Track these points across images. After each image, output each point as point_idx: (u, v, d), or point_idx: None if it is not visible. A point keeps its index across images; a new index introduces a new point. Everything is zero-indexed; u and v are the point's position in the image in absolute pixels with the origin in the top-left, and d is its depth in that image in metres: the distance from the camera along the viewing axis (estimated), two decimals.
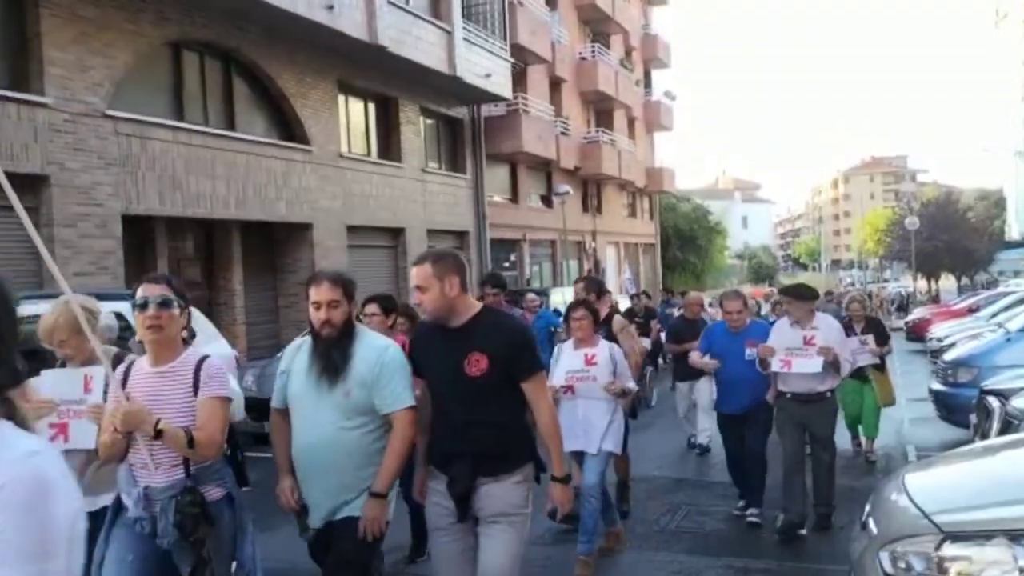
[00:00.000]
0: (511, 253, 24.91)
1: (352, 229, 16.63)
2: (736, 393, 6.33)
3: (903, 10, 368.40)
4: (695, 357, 6.73)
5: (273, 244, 15.63)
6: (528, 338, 3.61)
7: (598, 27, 31.65)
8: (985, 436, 6.31)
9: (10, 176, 10.93)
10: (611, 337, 6.23)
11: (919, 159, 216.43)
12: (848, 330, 7.99)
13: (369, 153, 18.06)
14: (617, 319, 6.85)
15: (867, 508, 3.84)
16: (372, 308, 6.54)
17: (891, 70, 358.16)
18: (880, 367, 8.61)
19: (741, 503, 6.57)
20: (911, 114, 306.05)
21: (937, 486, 3.82)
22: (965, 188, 74.61)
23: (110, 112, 11.48)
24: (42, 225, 10.70)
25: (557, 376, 5.40)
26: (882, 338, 8.59)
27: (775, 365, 6.00)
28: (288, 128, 15.48)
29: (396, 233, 18.47)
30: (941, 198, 47.77)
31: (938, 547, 3.10)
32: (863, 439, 8.75)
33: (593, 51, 30.21)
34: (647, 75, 39.06)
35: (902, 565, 3.17)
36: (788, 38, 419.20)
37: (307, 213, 15.37)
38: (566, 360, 5.52)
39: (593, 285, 6.87)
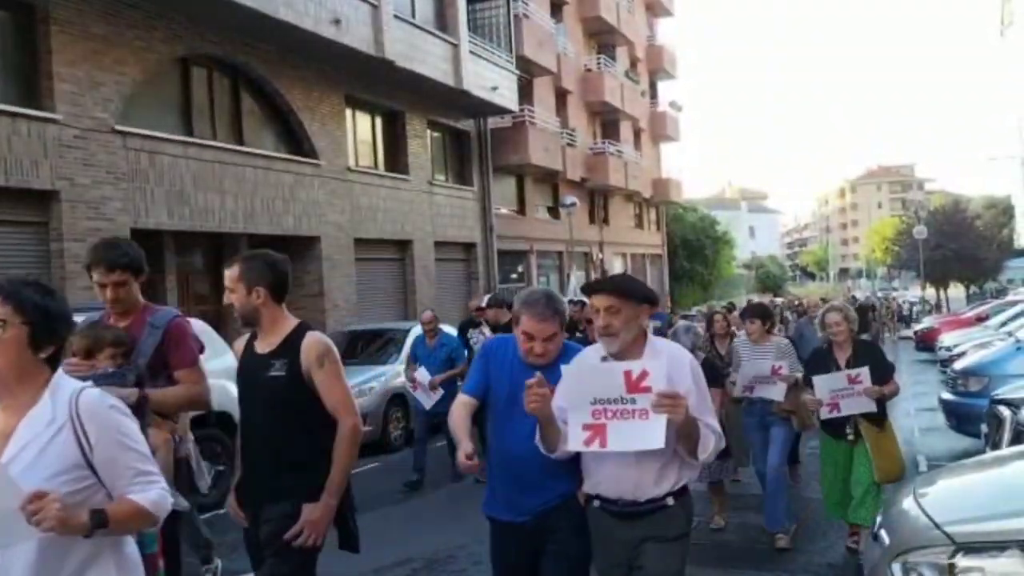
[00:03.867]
0: (518, 265, 24.94)
1: (360, 242, 16.69)
2: (522, 481, 3.24)
3: (908, 17, 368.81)
4: (455, 414, 3.34)
5: None
6: None
7: (604, 39, 31.77)
8: (996, 446, 6.29)
9: (20, 192, 11.06)
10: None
11: (926, 167, 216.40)
12: (828, 359, 5.60)
13: (376, 166, 18.14)
14: (310, 342, 3.26)
15: (879, 519, 3.83)
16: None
17: (897, 78, 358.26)
18: (878, 418, 5.50)
19: None
20: (918, 122, 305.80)
21: (949, 497, 3.81)
22: (973, 196, 74.45)
23: (119, 127, 11.58)
24: (52, 240, 10.80)
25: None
26: (882, 372, 5.48)
27: (574, 440, 2.90)
28: (296, 142, 15.57)
29: (404, 245, 18.53)
30: (949, 206, 47.62)
31: (950, 558, 3.09)
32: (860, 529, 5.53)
33: (599, 63, 30.32)
34: (653, 86, 39.17)
35: None
36: (793, 47, 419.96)
37: (315, 226, 15.44)
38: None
39: (255, 268, 3.32)
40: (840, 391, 5.38)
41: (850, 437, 5.53)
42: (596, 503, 3.11)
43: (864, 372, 5.36)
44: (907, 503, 3.69)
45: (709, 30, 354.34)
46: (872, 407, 5.41)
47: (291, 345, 3.30)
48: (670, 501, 3.03)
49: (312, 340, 3.31)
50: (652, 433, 2.77)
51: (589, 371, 2.97)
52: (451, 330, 9.93)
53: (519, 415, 3.09)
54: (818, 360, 5.73)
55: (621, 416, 2.82)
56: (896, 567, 3.23)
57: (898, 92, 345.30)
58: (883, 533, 3.58)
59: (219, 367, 8.42)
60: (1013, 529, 3.11)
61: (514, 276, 24.34)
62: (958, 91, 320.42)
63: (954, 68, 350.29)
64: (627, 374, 2.81)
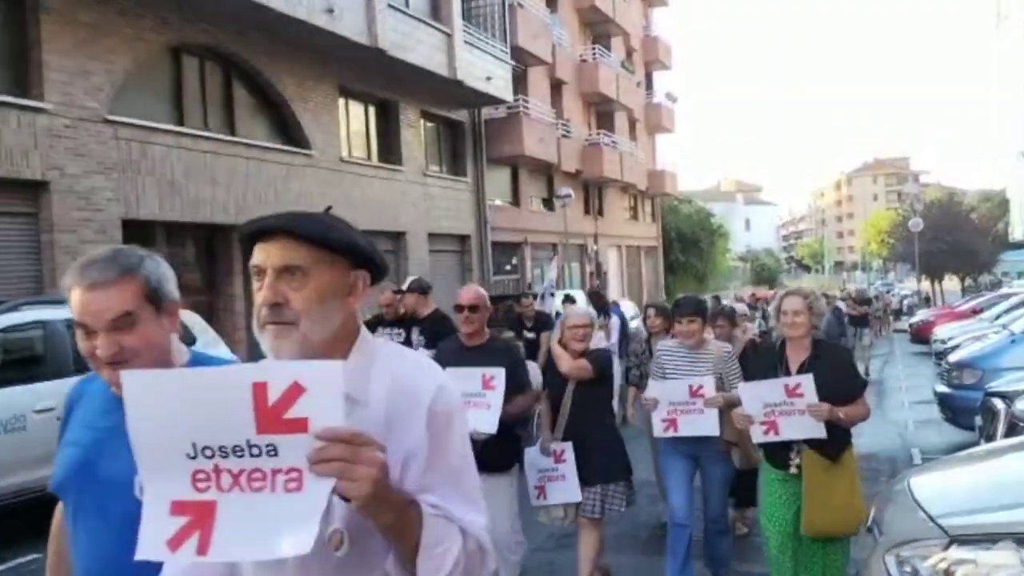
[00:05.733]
0: (513, 256, 24.90)
1: None
2: None
3: (905, 10, 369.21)
4: (50, 543, 1.98)
5: None
6: None
7: (599, 29, 31.70)
8: (991, 438, 6.28)
9: (10, 182, 10.96)
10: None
11: (922, 160, 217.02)
12: (776, 363, 4.07)
13: (370, 157, 18.06)
14: None
15: (872, 512, 3.80)
16: None
17: (893, 71, 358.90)
18: (832, 447, 3.91)
19: None
20: (913, 115, 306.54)
21: (943, 489, 3.79)
22: (968, 189, 74.66)
23: (110, 117, 11.49)
24: (42, 231, 10.72)
25: None
26: (848, 387, 3.98)
27: (151, 536, 1.24)
28: (288, 132, 15.48)
29: (397, 237, 18.47)
30: (944, 199, 47.76)
31: (944, 550, 3.07)
32: None
33: (594, 53, 30.25)
34: (648, 77, 39.11)
35: (908, 569, 3.14)
36: (788, 40, 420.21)
37: None
38: None
39: None
40: (777, 406, 3.85)
41: (793, 470, 3.96)
42: None
43: (806, 381, 3.82)
44: (901, 496, 3.67)
45: (705, 21, 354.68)
46: (820, 432, 3.83)
47: None
48: None
49: None
50: (301, 521, 1.23)
51: (177, 381, 1.31)
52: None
53: (105, 494, 1.73)
54: (763, 363, 4.23)
55: (249, 484, 1.26)
56: (890, 560, 3.21)
57: (894, 85, 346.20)
58: (876, 526, 3.56)
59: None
60: (1006, 522, 3.09)
61: (508, 268, 24.31)
62: (954, 84, 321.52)
63: (950, 61, 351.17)
64: (257, 389, 1.24)
